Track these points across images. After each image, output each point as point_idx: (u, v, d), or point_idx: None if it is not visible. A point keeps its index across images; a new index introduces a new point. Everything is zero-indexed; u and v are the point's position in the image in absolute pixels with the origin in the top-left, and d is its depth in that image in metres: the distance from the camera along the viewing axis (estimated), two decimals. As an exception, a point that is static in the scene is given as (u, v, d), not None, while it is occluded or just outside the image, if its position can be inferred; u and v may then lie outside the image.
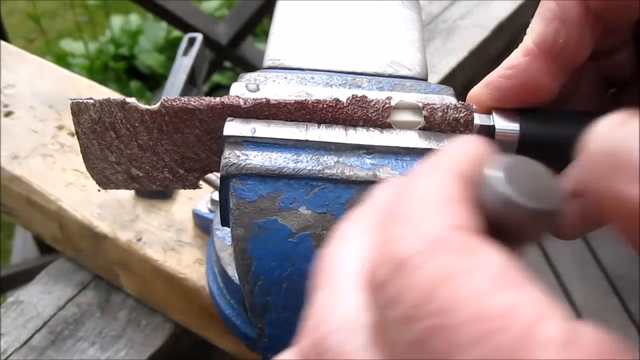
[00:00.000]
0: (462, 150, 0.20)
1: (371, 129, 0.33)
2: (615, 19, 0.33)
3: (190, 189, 0.37)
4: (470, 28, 0.83)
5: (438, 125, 0.33)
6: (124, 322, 0.54)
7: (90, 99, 0.34)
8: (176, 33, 2.39)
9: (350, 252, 0.20)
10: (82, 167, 0.36)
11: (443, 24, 0.84)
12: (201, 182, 0.37)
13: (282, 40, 0.39)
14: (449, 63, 0.78)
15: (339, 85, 0.35)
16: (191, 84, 0.60)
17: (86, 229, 0.53)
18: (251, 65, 1.80)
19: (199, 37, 0.62)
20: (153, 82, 2.41)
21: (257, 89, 0.34)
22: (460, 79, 0.78)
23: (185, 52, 0.61)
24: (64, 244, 0.57)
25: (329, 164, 0.32)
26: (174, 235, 0.52)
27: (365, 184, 0.31)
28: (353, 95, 0.33)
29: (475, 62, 0.81)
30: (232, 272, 0.43)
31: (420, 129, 0.33)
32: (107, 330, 0.53)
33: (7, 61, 0.66)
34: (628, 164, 0.17)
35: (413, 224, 0.17)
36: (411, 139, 0.33)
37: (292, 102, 0.33)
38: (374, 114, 0.33)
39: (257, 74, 0.35)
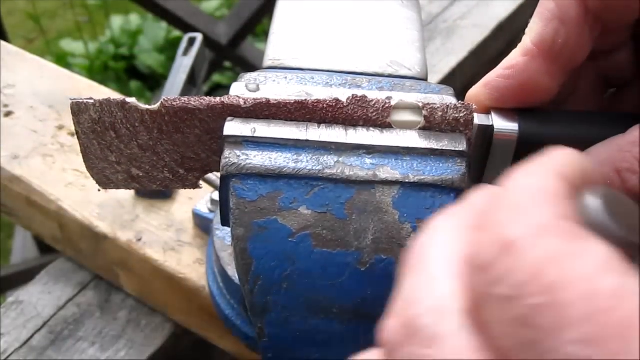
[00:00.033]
0: (566, 157, 0.20)
1: (371, 128, 0.33)
2: (614, 19, 0.33)
3: (190, 188, 0.37)
4: (470, 28, 0.83)
5: (438, 125, 0.33)
6: (124, 322, 0.54)
7: (91, 99, 0.34)
8: (176, 33, 2.39)
9: (444, 242, 0.20)
10: (82, 167, 0.36)
11: (443, 24, 0.84)
12: (201, 182, 0.37)
13: (282, 40, 0.39)
14: (449, 63, 0.78)
15: (339, 85, 0.35)
16: (191, 84, 0.60)
17: (86, 229, 0.53)
18: (251, 65, 1.80)
19: (199, 37, 0.62)
20: (153, 82, 2.41)
21: (257, 89, 0.34)
22: (460, 79, 0.78)
23: (185, 52, 0.61)
24: (64, 244, 0.57)
25: (329, 163, 0.32)
26: (174, 235, 0.52)
27: (366, 184, 0.31)
28: (353, 95, 0.33)
29: (475, 62, 0.81)
30: (232, 272, 0.43)
31: (420, 128, 0.33)
32: (107, 330, 0.53)
33: (7, 61, 0.67)
34: None
35: (520, 211, 0.18)
36: (411, 139, 0.33)
37: (292, 102, 0.33)
38: (374, 113, 0.33)
39: (257, 74, 0.35)
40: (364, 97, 0.33)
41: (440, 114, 0.33)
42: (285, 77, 0.35)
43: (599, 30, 0.33)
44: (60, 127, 0.60)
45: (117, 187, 0.37)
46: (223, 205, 0.33)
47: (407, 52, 0.38)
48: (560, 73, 0.33)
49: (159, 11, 1.84)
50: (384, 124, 0.33)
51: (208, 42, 1.65)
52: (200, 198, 0.53)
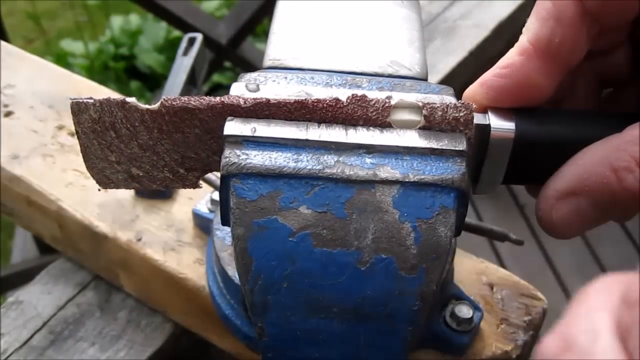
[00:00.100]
0: None
1: (371, 128, 0.33)
2: (611, 18, 0.33)
3: (190, 188, 0.37)
4: (470, 28, 0.83)
5: (438, 124, 0.33)
6: (124, 322, 0.54)
7: (90, 98, 0.34)
8: (176, 33, 2.39)
9: (601, 288, 0.25)
10: (82, 167, 0.36)
11: (443, 24, 0.84)
12: (201, 182, 0.37)
13: (282, 40, 0.39)
14: (449, 63, 0.78)
15: (339, 85, 0.35)
16: (191, 84, 0.60)
17: (86, 229, 0.53)
18: (251, 65, 1.80)
19: (199, 37, 0.62)
20: (153, 82, 2.41)
21: (257, 89, 0.34)
22: (460, 79, 0.78)
23: (185, 52, 0.61)
24: (64, 244, 0.57)
25: (329, 163, 0.32)
26: (174, 235, 0.52)
27: (366, 183, 0.31)
28: (353, 94, 0.33)
29: (475, 62, 0.81)
30: (232, 272, 0.43)
31: (420, 128, 0.33)
32: (107, 330, 0.53)
33: (7, 61, 0.67)
34: None
35: None
36: (411, 139, 0.33)
37: (292, 101, 0.33)
38: (374, 113, 0.33)
39: (257, 74, 0.35)
40: (364, 96, 0.33)
41: (440, 113, 0.33)
42: (285, 77, 0.35)
43: (596, 30, 0.33)
44: (60, 127, 0.60)
45: (117, 187, 0.37)
46: (223, 204, 0.33)
47: (407, 52, 0.38)
48: (556, 72, 0.33)
49: (159, 11, 1.84)
50: (384, 124, 0.33)
51: (208, 42, 1.65)
52: (200, 198, 0.53)
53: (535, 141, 0.33)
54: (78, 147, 0.35)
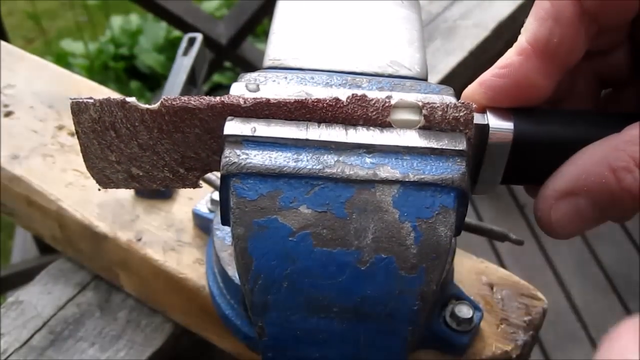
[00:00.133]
0: None
1: (371, 128, 0.33)
2: (610, 18, 0.33)
3: (190, 188, 0.37)
4: (470, 28, 0.83)
5: (438, 124, 0.33)
6: (124, 322, 0.54)
7: (90, 98, 0.34)
8: (176, 33, 2.39)
9: (631, 328, 0.28)
10: (82, 167, 0.36)
11: (443, 24, 0.84)
12: (201, 182, 0.37)
13: (282, 40, 0.39)
14: (449, 63, 0.78)
15: (339, 85, 0.35)
16: (191, 84, 0.60)
17: (86, 229, 0.53)
18: (251, 65, 1.80)
19: (199, 37, 0.62)
20: (153, 82, 2.41)
21: (257, 89, 0.34)
22: (460, 79, 0.78)
23: (185, 52, 0.61)
24: (64, 244, 0.57)
25: (329, 163, 0.32)
26: (174, 235, 0.52)
27: (366, 183, 0.31)
28: (353, 94, 0.33)
29: (475, 62, 0.81)
30: (232, 272, 0.44)
31: (420, 128, 0.33)
32: (107, 330, 0.53)
33: (7, 61, 0.67)
34: None
35: None
36: (411, 138, 0.33)
37: (292, 101, 0.33)
38: (374, 113, 0.33)
39: (257, 74, 0.35)
40: (364, 96, 0.33)
41: (440, 113, 0.33)
42: (285, 77, 0.35)
43: (594, 30, 0.33)
44: (60, 127, 0.60)
45: (117, 187, 0.37)
46: (223, 204, 0.33)
47: (407, 52, 0.38)
48: (555, 72, 0.33)
49: (159, 11, 1.84)
50: (383, 123, 0.33)
51: (208, 42, 1.65)
52: (200, 198, 0.53)
53: (534, 141, 0.33)
54: (78, 147, 0.35)
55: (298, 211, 0.31)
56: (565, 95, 0.37)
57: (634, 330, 0.27)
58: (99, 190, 0.37)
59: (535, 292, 0.49)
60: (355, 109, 0.33)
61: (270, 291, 0.32)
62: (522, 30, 0.33)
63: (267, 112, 0.33)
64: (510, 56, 0.33)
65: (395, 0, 0.42)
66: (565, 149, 0.32)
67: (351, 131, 0.33)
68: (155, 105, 0.34)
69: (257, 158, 0.32)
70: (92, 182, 0.37)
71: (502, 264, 1.85)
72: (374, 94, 0.34)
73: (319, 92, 0.34)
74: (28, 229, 0.62)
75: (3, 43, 0.69)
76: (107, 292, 0.56)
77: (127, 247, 0.52)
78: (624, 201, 0.30)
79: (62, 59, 2.43)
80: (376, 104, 0.33)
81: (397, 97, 0.34)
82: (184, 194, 0.56)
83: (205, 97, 0.34)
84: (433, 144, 0.32)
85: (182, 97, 0.34)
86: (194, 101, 0.33)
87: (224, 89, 2.25)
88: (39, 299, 0.55)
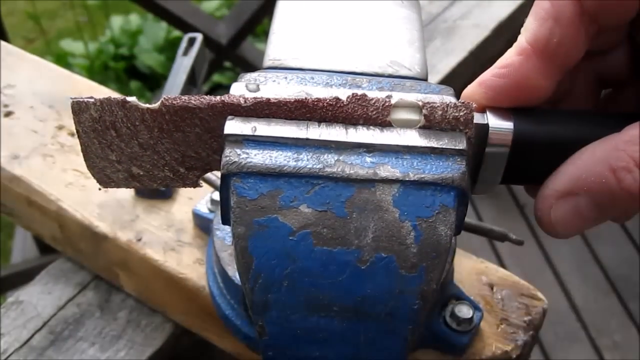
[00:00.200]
0: None
1: (371, 127, 0.33)
2: (610, 18, 0.33)
3: (190, 187, 0.37)
4: (470, 28, 0.83)
5: (438, 123, 0.33)
6: (124, 322, 0.54)
7: (91, 98, 0.34)
8: (176, 33, 2.39)
9: None
10: (82, 167, 0.36)
11: (443, 24, 0.84)
12: (201, 182, 0.37)
13: (282, 40, 0.39)
14: (449, 63, 0.78)
15: (339, 85, 0.35)
16: (191, 84, 0.60)
17: (86, 229, 0.53)
18: (251, 65, 1.80)
19: (199, 37, 0.62)
20: (153, 82, 2.41)
21: (257, 89, 0.34)
22: (460, 79, 0.78)
23: (185, 52, 0.61)
24: (64, 244, 0.57)
25: (330, 162, 0.32)
26: (174, 235, 0.52)
27: (366, 182, 0.31)
28: (353, 93, 0.33)
29: (475, 62, 0.81)
30: (232, 272, 0.44)
31: (420, 127, 0.33)
32: (107, 330, 0.53)
33: (7, 61, 0.67)
34: None
35: None
36: (411, 138, 0.33)
37: (293, 100, 0.33)
38: (374, 112, 0.33)
39: (257, 74, 0.35)
40: (364, 95, 0.33)
41: (440, 112, 0.33)
42: (285, 77, 0.35)
43: (594, 30, 0.33)
44: (60, 127, 0.60)
45: (118, 186, 0.37)
46: (223, 203, 0.33)
47: (407, 52, 0.38)
48: (555, 72, 0.33)
49: (159, 11, 1.84)
50: (384, 123, 0.33)
51: (208, 42, 1.65)
52: (200, 198, 0.53)
53: (534, 141, 0.33)
54: (78, 147, 0.35)
55: (298, 210, 0.31)
56: (565, 95, 0.37)
57: None
58: (99, 190, 0.37)
59: (535, 292, 0.49)
60: (356, 109, 0.33)
61: (271, 290, 0.32)
62: (522, 30, 0.33)
63: (268, 111, 0.33)
64: (510, 56, 0.33)
65: (395, 0, 0.42)
66: (565, 149, 0.32)
67: (351, 130, 0.33)
68: (155, 105, 0.34)
69: (258, 157, 0.32)
70: (92, 182, 0.37)
71: (502, 264, 1.85)
72: (374, 94, 0.34)
73: (319, 92, 0.34)
74: (28, 229, 0.62)
75: (3, 43, 0.69)
76: (107, 292, 0.56)
77: (127, 247, 0.52)
78: (624, 201, 0.30)
79: (62, 59, 2.43)
80: (376, 104, 0.33)
81: (397, 96, 0.34)
82: (184, 193, 0.56)
83: (205, 96, 0.34)
84: (433, 144, 0.32)
85: (183, 97, 0.34)
86: (195, 100, 0.33)
87: (224, 89, 2.25)
88: (39, 299, 0.55)
